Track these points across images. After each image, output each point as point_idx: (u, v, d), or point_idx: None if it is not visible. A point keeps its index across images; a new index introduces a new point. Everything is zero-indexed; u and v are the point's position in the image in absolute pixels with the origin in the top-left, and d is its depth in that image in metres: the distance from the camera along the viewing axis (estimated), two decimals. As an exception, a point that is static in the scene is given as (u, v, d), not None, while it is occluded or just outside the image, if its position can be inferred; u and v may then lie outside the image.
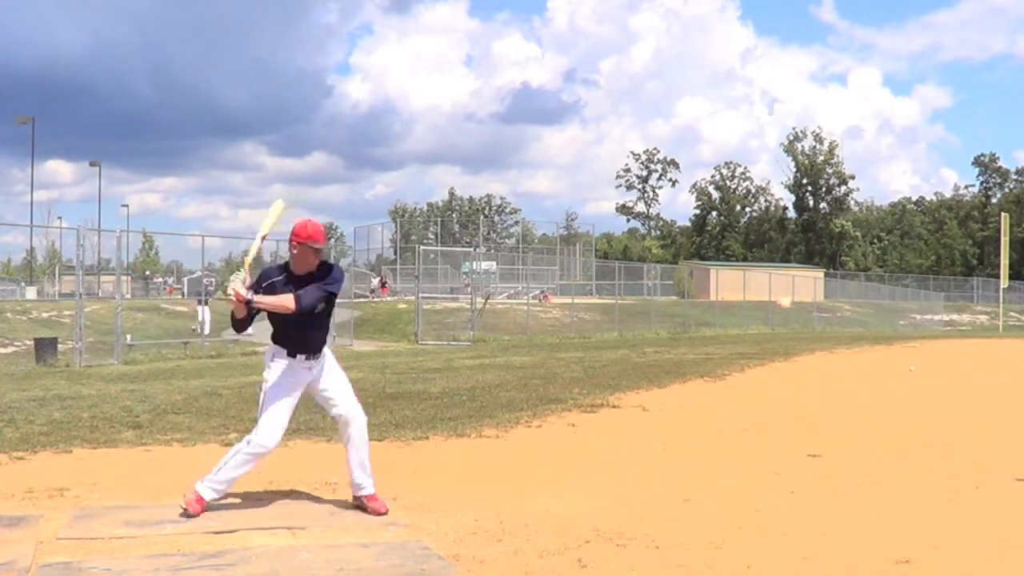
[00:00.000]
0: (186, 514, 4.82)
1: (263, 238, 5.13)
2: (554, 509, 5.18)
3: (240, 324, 5.02)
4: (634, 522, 4.89)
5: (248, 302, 4.82)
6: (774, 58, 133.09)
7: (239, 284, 4.81)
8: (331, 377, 5.14)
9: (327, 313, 5.11)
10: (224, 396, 9.99)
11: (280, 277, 5.00)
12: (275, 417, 4.98)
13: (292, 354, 5.02)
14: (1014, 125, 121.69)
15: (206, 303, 25.93)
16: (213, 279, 39.38)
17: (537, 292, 38.58)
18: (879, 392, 12.57)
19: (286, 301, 4.84)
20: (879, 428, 8.92)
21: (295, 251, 4.93)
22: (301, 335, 5.01)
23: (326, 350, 5.17)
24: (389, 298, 38.46)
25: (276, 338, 5.08)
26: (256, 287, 4.95)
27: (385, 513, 5.03)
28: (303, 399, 5.28)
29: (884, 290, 64.53)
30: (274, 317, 5.01)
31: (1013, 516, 5.26)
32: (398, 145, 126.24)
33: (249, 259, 5.10)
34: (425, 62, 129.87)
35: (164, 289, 46.69)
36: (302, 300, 4.85)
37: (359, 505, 5.13)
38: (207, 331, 25.30)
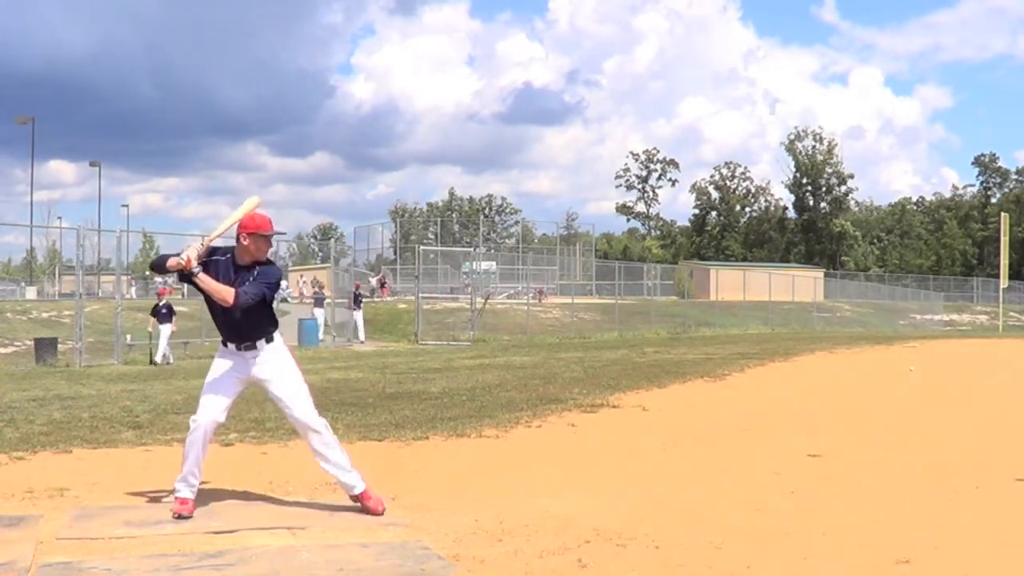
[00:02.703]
0: (179, 517, 4.84)
1: (228, 228, 5.22)
2: (554, 509, 5.17)
3: (161, 271, 5.12)
4: (634, 522, 4.89)
5: (190, 273, 4.93)
6: (775, 58, 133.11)
7: (194, 253, 4.95)
8: (279, 382, 5.11)
9: (262, 310, 5.12)
10: (224, 396, 9.98)
11: (224, 258, 5.07)
12: (207, 394, 5.09)
13: (224, 342, 5.18)
14: (1014, 125, 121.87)
15: (359, 307, 26.52)
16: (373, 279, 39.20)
17: (534, 292, 38.54)
18: (879, 392, 12.57)
19: (226, 294, 4.94)
20: (879, 428, 8.92)
21: (245, 242, 5.03)
22: (226, 324, 5.12)
23: (273, 345, 5.15)
24: (389, 298, 38.45)
25: (215, 323, 5.22)
26: (205, 258, 5.03)
27: (381, 513, 5.00)
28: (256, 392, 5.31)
29: (884, 290, 64.55)
30: (209, 304, 5.10)
31: (1013, 516, 5.26)
32: (400, 145, 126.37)
33: (209, 239, 5.19)
34: (427, 62, 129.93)
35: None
36: (241, 298, 4.95)
37: (360, 506, 5.11)
38: (362, 336, 25.84)
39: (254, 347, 5.11)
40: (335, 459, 5.08)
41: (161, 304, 19.13)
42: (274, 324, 5.22)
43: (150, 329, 19.09)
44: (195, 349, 20.76)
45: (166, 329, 18.73)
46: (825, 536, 4.71)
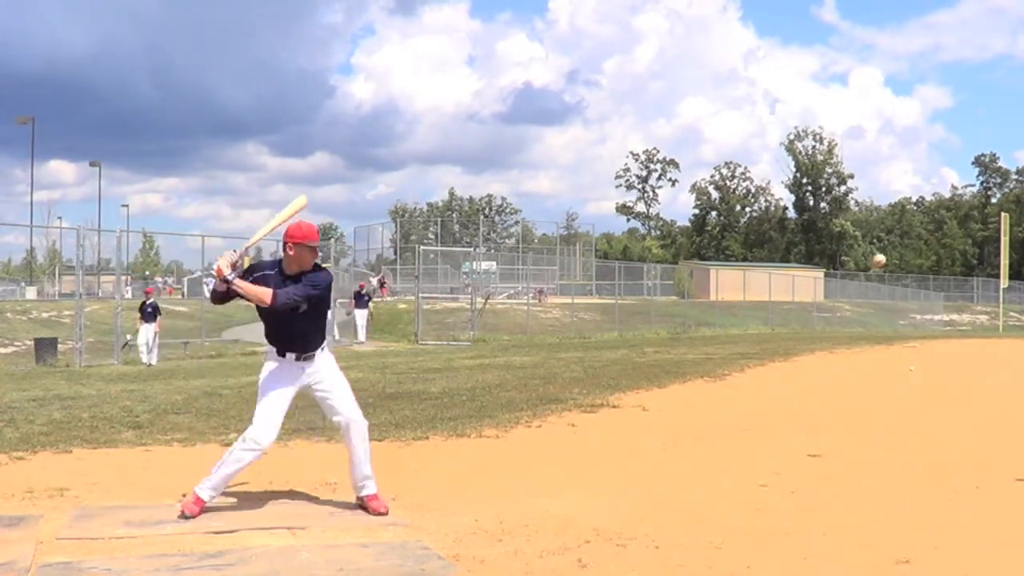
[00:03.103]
0: (183, 516, 4.83)
1: (272, 229, 5.20)
2: (554, 509, 5.17)
3: (218, 297, 5.04)
4: (634, 522, 4.89)
5: (226, 281, 4.87)
6: (776, 58, 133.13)
7: (225, 262, 4.89)
8: (330, 381, 5.14)
9: (317, 314, 5.11)
10: (224, 396, 9.99)
11: (273, 271, 5.05)
12: (268, 414, 5.00)
13: (281, 353, 5.07)
14: (1014, 125, 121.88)
15: (365, 307, 26.08)
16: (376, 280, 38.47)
17: (535, 292, 38.48)
18: (879, 392, 12.56)
19: (263, 294, 4.89)
20: (879, 428, 8.91)
21: (291, 252, 4.98)
22: (289, 334, 5.05)
23: (324, 352, 5.17)
24: (389, 298, 38.41)
25: (268, 336, 5.14)
26: (245, 275, 5.00)
27: (385, 514, 5.03)
28: (302, 399, 5.31)
29: (884, 290, 64.53)
30: (264, 314, 5.06)
31: (1013, 516, 5.26)
32: (400, 145, 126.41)
33: (250, 243, 5.19)
34: (427, 62, 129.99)
35: (164, 289, 46.74)
36: (279, 297, 4.89)
37: (361, 505, 5.13)
38: (362, 337, 25.45)
39: (313, 357, 5.08)
40: (364, 456, 5.10)
41: (147, 303, 18.91)
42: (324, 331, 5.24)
43: (138, 327, 18.92)
44: (195, 349, 20.77)
45: (149, 329, 18.56)
46: (825, 536, 4.71)
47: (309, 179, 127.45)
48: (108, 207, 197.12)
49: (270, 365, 5.11)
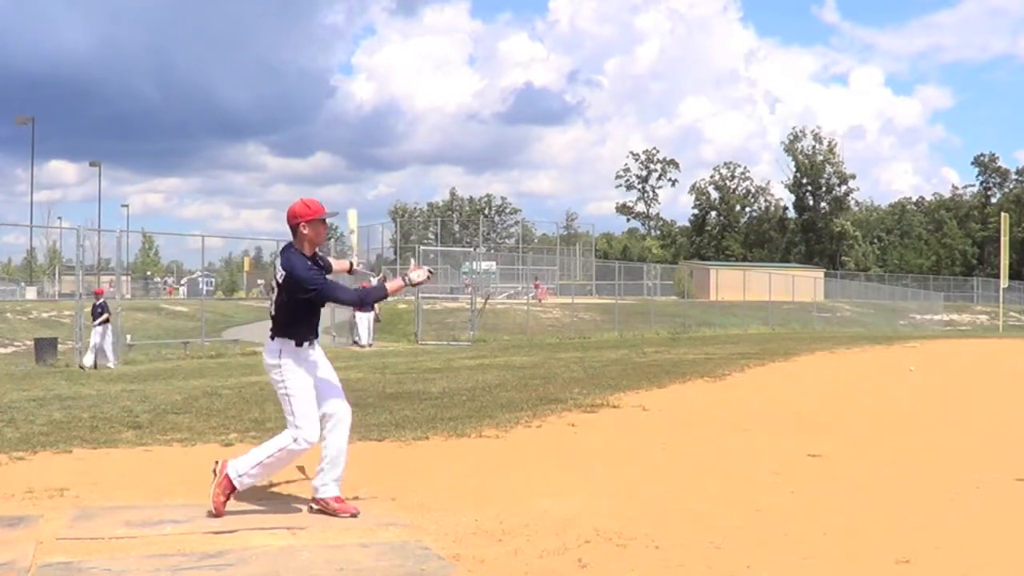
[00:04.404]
0: (211, 514, 4.81)
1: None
2: (554, 509, 5.17)
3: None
4: (634, 522, 4.89)
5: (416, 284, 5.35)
6: (776, 59, 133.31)
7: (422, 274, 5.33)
8: (326, 368, 5.15)
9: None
10: (224, 396, 9.99)
11: (310, 258, 5.02)
12: (312, 412, 4.96)
13: (300, 343, 5.02)
14: (1014, 125, 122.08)
15: (372, 308, 25.30)
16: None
17: (534, 291, 38.42)
18: (879, 392, 12.56)
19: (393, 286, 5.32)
20: (879, 428, 8.91)
21: (306, 231, 4.96)
22: (314, 320, 5.13)
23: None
24: (390, 298, 38.34)
25: (291, 327, 5.00)
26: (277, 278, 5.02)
27: (355, 515, 4.93)
28: None
29: (884, 290, 64.55)
30: (304, 302, 4.95)
31: (1013, 516, 5.26)
32: (401, 145, 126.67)
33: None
34: (428, 63, 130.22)
35: (164, 289, 46.77)
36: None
37: (323, 509, 4.99)
38: (369, 340, 24.78)
39: (316, 341, 5.18)
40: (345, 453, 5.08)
41: (97, 304, 18.31)
42: None
43: (93, 329, 18.36)
44: (195, 349, 20.76)
45: (98, 331, 18.06)
46: (825, 536, 4.71)
47: (310, 179, 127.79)
48: (108, 207, 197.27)
49: (290, 360, 4.98)
